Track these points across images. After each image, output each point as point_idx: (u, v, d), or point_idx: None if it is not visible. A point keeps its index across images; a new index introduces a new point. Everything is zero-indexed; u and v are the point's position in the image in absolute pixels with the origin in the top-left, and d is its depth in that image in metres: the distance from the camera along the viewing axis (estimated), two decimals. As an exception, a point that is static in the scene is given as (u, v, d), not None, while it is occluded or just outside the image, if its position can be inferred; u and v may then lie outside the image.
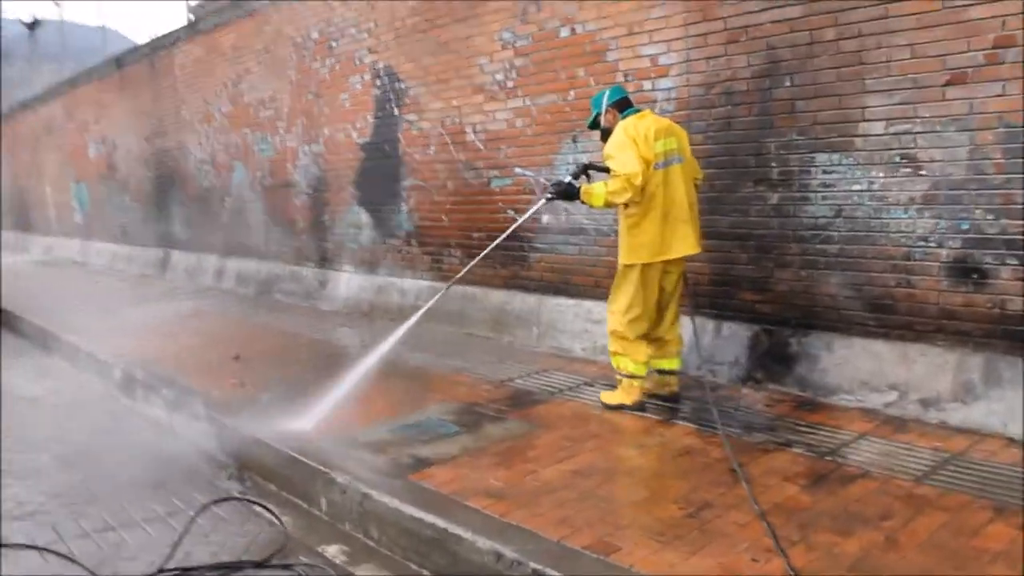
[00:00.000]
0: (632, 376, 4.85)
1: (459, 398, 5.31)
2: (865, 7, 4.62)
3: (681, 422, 4.68)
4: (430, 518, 3.49)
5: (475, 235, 7.46)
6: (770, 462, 3.98)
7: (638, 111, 4.78)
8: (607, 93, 4.89)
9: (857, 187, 4.80)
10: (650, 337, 4.87)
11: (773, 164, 5.16)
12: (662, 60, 5.72)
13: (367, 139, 8.79)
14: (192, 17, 13.42)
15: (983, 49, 4.21)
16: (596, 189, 4.64)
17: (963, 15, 4.26)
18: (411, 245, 8.36)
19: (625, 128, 4.62)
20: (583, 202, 4.73)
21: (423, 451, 4.32)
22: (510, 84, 6.94)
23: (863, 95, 4.70)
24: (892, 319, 4.73)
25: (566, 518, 3.43)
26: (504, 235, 5.40)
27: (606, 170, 4.68)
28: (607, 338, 4.96)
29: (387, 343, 5.24)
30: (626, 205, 4.62)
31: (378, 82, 8.48)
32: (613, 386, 5.04)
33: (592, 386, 5.44)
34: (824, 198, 4.95)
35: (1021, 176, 4.16)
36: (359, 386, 5.07)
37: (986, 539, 3.12)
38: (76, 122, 17.21)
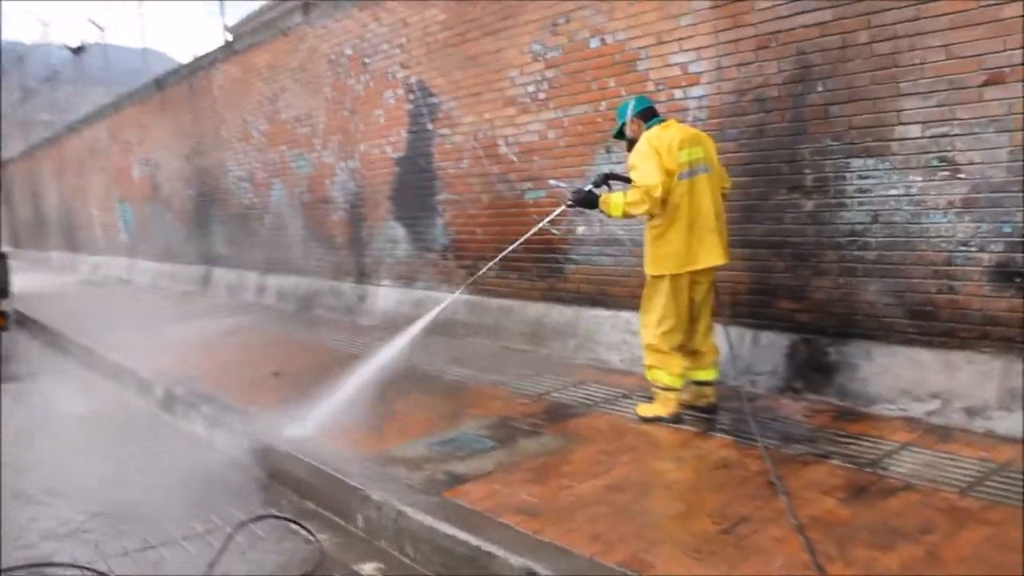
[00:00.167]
0: (668, 388, 4.80)
1: (495, 412, 5.31)
2: (898, 8, 4.54)
3: (718, 434, 4.62)
4: (463, 535, 3.48)
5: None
6: (809, 474, 3.91)
7: (663, 121, 4.74)
8: (632, 103, 4.85)
9: (894, 192, 4.71)
10: (685, 349, 4.83)
11: (807, 170, 5.09)
12: (692, 68, 5.67)
13: (402, 154, 8.85)
14: (229, 37, 13.58)
15: (1020, 48, 4.11)
16: (614, 199, 4.61)
17: (998, 14, 4.17)
18: (447, 259, 8.39)
19: (649, 139, 4.59)
20: (601, 211, 4.70)
21: (458, 467, 4.32)
22: (541, 96, 6.94)
23: (898, 98, 4.61)
24: (934, 326, 4.62)
25: (599, 534, 3.40)
26: (518, 242, 5.41)
27: (628, 180, 4.65)
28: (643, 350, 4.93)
29: (398, 342, 5.34)
30: (650, 216, 4.59)
31: (411, 97, 8.54)
32: (650, 398, 4.99)
33: (629, 398, 5.39)
34: (861, 204, 4.86)
35: (1064, 177, 4.06)
36: (381, 393, 5.21)
37: (1033, 554, 3.03)
38: (120, 144, 17.58)
